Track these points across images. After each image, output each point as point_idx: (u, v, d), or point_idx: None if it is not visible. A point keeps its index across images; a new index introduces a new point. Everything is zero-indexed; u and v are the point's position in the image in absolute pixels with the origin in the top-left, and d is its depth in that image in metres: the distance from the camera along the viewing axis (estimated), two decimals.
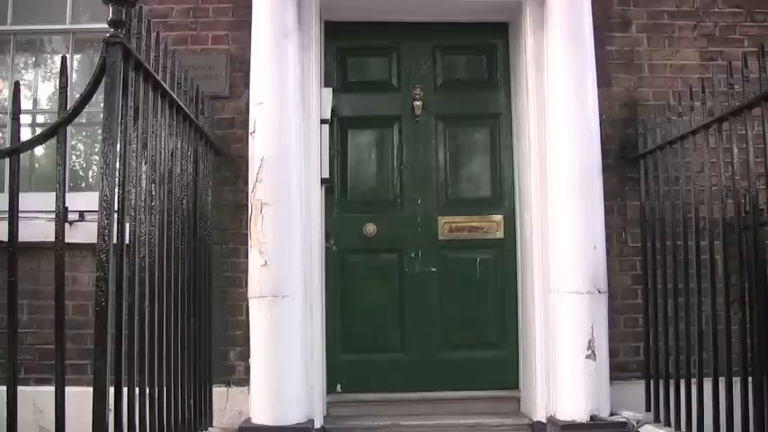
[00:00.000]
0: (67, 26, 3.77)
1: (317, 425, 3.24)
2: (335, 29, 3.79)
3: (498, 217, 3.77)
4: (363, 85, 3.90)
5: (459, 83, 3.91)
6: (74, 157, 3.90)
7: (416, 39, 3.90)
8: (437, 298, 3.74)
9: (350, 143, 3.87)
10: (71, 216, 3.14)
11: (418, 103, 3.83)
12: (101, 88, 2.04)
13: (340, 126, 3.82)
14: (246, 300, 3.18)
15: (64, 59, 2.09)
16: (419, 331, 3.71)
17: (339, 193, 3.80)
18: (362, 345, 3.70)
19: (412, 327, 3.72)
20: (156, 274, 2.40)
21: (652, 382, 3.26)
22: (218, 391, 3.29)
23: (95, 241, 1.93)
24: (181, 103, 2.73)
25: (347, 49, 3.91)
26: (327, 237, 3.64)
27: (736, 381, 2.50)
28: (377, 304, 3.72)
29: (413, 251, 3.75)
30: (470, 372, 3.68)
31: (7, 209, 1.97)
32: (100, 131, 2.14)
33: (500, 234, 3.76)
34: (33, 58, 3.98)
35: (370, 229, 3.70)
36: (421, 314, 3.73)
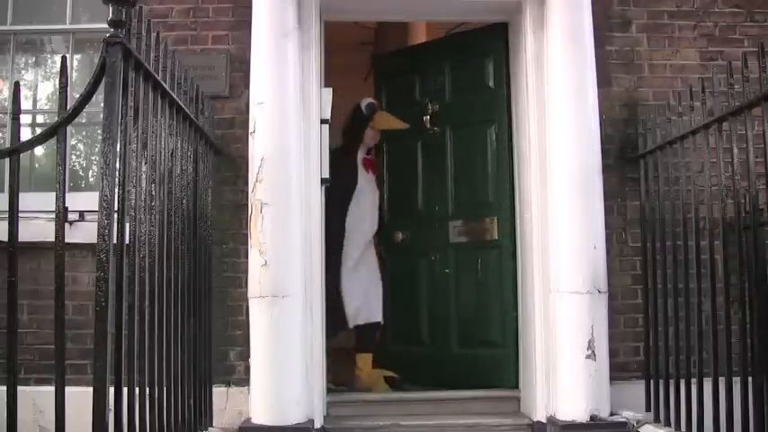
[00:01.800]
0: (67, 26, 3.77)
1: (317, 425, 3.23)
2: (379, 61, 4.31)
3: (500, 218, 3.78)
4: (397, 104, 4.26)
5: (463, 89, 4.01)
6: (74, 157, 3.90)
7: (427, 55, 4.14)
8: (452, 297, 3.97)
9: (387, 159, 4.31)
10: (71, 216, 3.14)
11: (427, 117, 4.02)
12: (101, 88, 2.04)
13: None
14: (246, 300, 3.18)
15: (64, 59, 2.09)
16: (435, 330, 4.01)
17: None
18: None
19: (430, 324, 4.06)
20: (156, 274, 2.40)
21: (652, 382, 3.26)
22: (218, 391, 3.29)
23: (95, 241, 1.93)
24: (181, 103, 2.73)
25: (385, 75, 4.39)
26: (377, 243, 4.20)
27: (736, 381, 2.50)
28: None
29: (433, 254, 4.09)
30: (470, 371, 3.69)
31: (7, 209, 1.97)
32: (100, 131, 2.14)
33: (502, 235, 3.77)
34: (33, 58, 3.98)
35: (398, 236, 4.14)
36: (434, 313, 4.06)
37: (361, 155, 3.99)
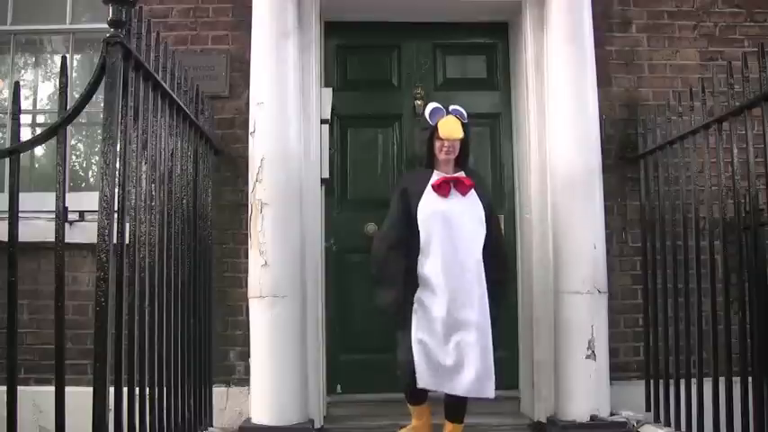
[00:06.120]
0: (67, 26, 3.77)
1: (317, 425, 3.24)
2: (336, 27, 3.80)
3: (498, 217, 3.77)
4: (364, 84, 3.91)
5: (460, 82, 3.92)
6: (74, 157, 3.89)
7: (417, 38, 3.92)
8: None
9: (350, 142, 3.87)
10: (71, 216, 3.14)
11: (419, 102, 3.83)
12: (101, 88, 2.05)
13: (340, 125, 3.83)
14: (246, 300, 3.18)
15: (64, 59, 2.09)
16: None
17: (339, 192, 3.81)
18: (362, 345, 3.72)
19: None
20: (156, 274, 2.40)
21: (652, 382, 3.26)
22: (218, 391, 3.29)
23: (95, 241, 1.93)
24: (181, 103, 2.73)
25: (348, 48, 3.93)
26: (327, 237, 3.63)
27: (736, 381, 2.50)
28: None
29: None
30: None
31: (7, 209, 1.97)
32: (100, 131, 2.14)
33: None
34: (33, 58, 3.98)
35: (371, 228, 3.63)
36: None
37: (435, 177, 2.88)
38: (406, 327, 2.79)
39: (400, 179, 2.94)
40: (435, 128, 2.84)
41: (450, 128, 2.82)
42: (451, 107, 2.89)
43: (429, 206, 2.81)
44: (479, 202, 2.86)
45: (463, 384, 2.72)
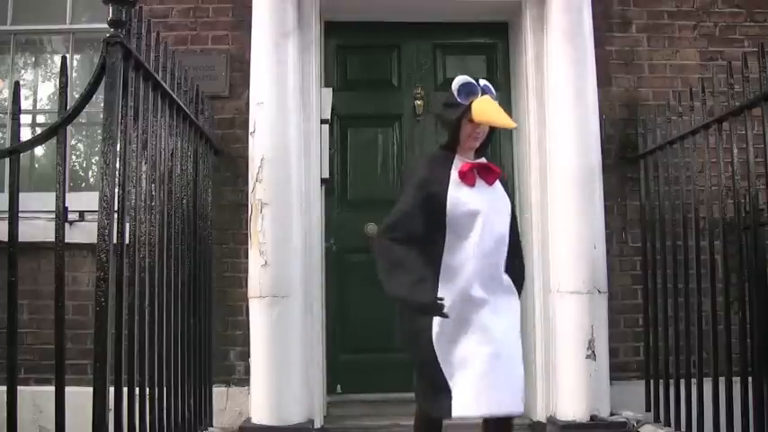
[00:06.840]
0: (67, 26, 3.77)
1: (317, 425, 3.24)
2: (336, 27, 3.81)
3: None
4: (364, 84, 3.91)
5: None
6: (74, 157, 3.90)
7: (417, 38, 3.93)
8: None
9: (350, 142, 3.88)
10: (71, 216, 3.14)
11: (419, 102, 3.83)
12: (101, 88, 2.05)
13: (340, 125, 3.83)
14: (246, 300, 3.18)
15: (64, 59, 2.09)
16: None
17: (339, 192, 3.81)
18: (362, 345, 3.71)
19: None
20: (156, 274, 2.40)
21: (652, 382, 3.26)
22: (218, 391, 3.29)
23: (95, 241, 1.93)
24: (181, 103, 2.73)
25: (348, 48, 3.93)
26: (327, 237, 3.62)
27: (736, 381, 2.50)
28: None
29: None
30: None
31: (7, 209, 1.97)
32: (100, 131, 2.14)
33: None
34: (33, 58, 3.98)
35: (371, 228, 3.61)
36: None
37: (458, 163, 2.30)
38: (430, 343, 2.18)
39: (417, 165, 2.48)
40: (468, 108, 2.24)
41: (492, 112, 2.24)
42: (482, 82, 2.31)
43: (456, 198, 2.24)
44: (506, 194, 2.37)
45: (509, 399, 2.20)
